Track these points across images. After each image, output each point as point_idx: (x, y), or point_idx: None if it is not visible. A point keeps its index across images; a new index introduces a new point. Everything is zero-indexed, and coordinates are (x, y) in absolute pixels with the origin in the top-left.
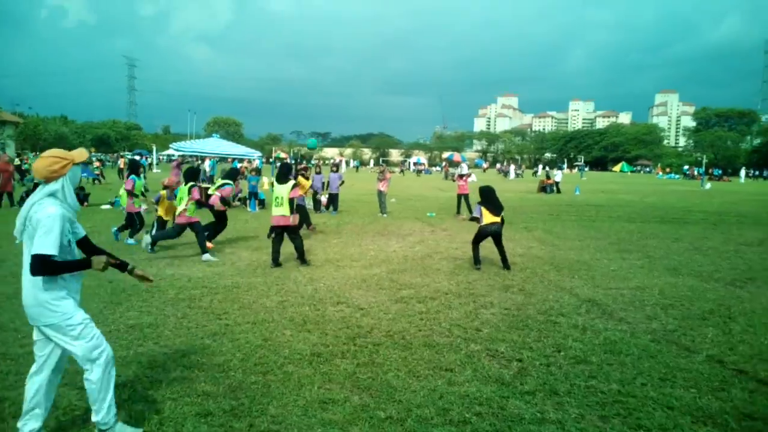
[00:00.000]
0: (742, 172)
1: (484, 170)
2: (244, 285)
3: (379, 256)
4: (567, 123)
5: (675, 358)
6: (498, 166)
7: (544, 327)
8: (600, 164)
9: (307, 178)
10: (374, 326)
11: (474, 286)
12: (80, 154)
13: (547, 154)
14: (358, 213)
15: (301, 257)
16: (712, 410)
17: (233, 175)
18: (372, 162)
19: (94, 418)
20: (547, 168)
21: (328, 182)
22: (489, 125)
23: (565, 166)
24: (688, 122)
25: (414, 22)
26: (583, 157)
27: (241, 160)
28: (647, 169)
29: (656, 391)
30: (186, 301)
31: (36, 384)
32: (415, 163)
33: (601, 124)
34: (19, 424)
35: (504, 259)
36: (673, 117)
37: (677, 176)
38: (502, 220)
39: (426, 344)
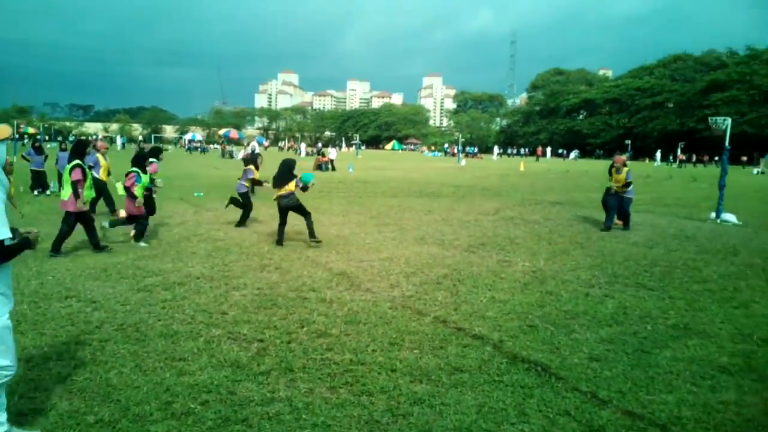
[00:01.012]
0: (495, 150)
1: (266, 148)
2: None
3: (129, 242)
4: (345, 102)
5: (407, 322)
6: (280, 144)
7: (293, 304)
8: (376, 142)
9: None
10: (106, 320)
11: (230, 268)
12: (2, 130)
13: (327, 133)
14: (114, 195)
15: (54, 245)
16: (430, 368)
17: (156, 153)
18: (141, 138)
19: None
20: (320, 145)
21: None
22: (270, 102)
23: (344, 144)
24: (450, 104)
25: None
26: (359, 136)
27: None
28: (412, 147)
29: (384, 355)
30: None
31: None
32: (190, 140)
33: (377, 104)
34: None
35: (311, 232)
36: (438, 99)
37: (439, 154)
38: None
39: (163, 334)
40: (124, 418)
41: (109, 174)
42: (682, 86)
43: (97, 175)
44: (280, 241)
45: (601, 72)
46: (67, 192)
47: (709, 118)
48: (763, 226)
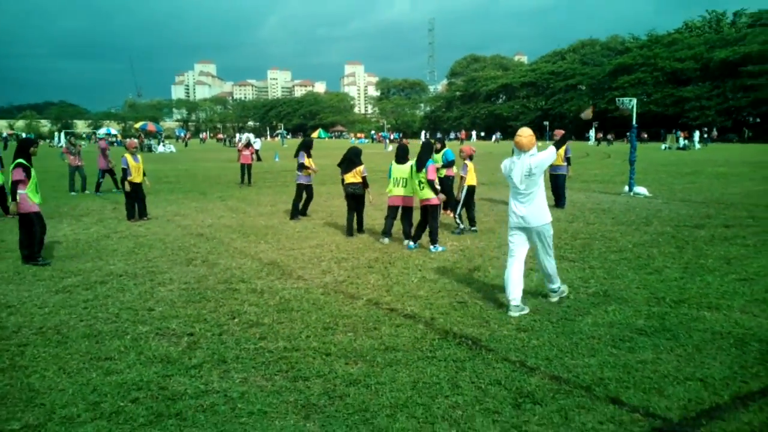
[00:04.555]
0: (422, 135)
1: (186, 141)
2: None
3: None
4: (267, 91)
5: (340, 307)
6: (201, 135)
7: (223, 296)
8: (302, 131)
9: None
10: (23, 324)
11: (154, 264)
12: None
13: (250, 123)
14: None
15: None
16: (364, 349)
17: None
18: (57, 135)
19: (553, 286)
20: (245, 136)
21: None
22: (188, 93)
23: (268, 134)
24: (373, 91)
25: None
26: (283, 125)
27: None
28: (338, 135)
29: (319, 340)
30: None
31: (516, 269)
32: (106, 134)
33: (299, 92)
34: (510, 297)
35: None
36: (361, 87)
37: (366, 140)
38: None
39: (86, 335)
40: (50, 421)
41: (144, 174)
42: (592, 69)
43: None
44: (349, 232)
45: (516, 58)
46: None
47: (617, 99)
48: (671, 197)
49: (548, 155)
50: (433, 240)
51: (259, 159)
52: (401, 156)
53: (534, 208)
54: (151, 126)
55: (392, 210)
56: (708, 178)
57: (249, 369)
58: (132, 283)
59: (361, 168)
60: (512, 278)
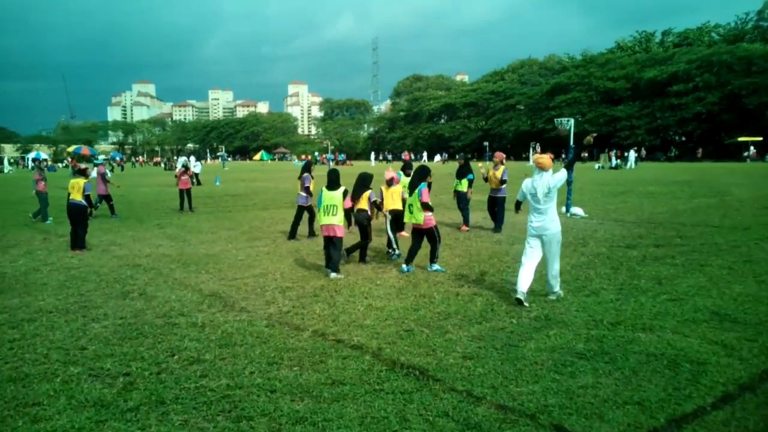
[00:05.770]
0: (372, 156)
1: (121, 165)
2: None
3: None
4: (208, 112)
5: (285, 339)
6: (140, 158)
7: (161, 331)
8: (243, 153)
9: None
10: None
11: (88, 298)
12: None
13: (190, 145)
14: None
15: None
16: (310, 384)
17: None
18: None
19: (555, 289)
20: (183, 159)
21: None
22: (125, 114)
23: (209, 156)
24: (317, 112)
25: None
26: (224, 147)
27: None
28: (280, 157)
29: (263, 376)
30: None
31: (528, 269)
32: (34, 159)
33: (241, 113)
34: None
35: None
36: (305, 107)
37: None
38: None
39: (11, 379)
40: None
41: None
42: (531, 89)
43: None
44: (361, 257)
45: (458, 77)
46: None
47: (555, 120)
48: (605, 217)
49: (563, 175)
50: (433, 259)
51: (199, 183)
52: (332, 182)
53: (549, 218)
54: (85, 149)
55: (327, 240)
56: (638, 198)
57: (189, 410)
58: (63, 320)
59: (368, 193)
60: (523, 275)
